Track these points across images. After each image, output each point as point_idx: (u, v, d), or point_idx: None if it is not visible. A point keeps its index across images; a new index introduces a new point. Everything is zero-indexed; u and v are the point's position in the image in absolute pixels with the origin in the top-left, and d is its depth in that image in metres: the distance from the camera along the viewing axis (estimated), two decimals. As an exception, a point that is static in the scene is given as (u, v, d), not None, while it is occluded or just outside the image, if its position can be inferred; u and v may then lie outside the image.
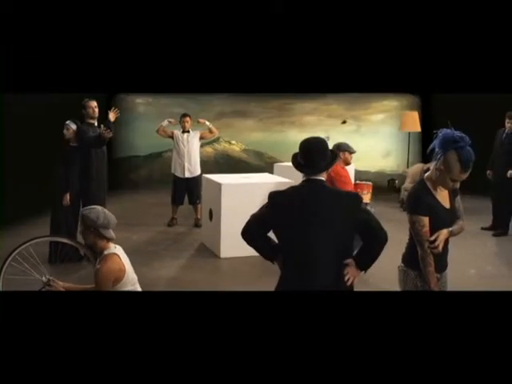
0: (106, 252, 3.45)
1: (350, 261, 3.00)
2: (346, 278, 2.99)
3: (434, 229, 3.20)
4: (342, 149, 6.07)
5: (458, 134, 3.07)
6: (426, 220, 3.17)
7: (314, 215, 2.92)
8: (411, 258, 3.30)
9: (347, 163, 6.11)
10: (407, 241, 3.39)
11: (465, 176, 3.09)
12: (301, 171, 3.04)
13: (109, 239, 3.47)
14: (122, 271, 3.41)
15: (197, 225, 8.03)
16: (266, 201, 3.07)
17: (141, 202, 10.02)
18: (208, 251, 6.90)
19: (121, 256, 3.47)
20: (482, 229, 8.07)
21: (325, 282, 2.96)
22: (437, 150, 3.12)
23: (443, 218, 3.24)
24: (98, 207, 3.56)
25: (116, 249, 3.51)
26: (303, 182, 3.04)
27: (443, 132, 3.11)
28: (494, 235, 7.83)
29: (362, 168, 11.42)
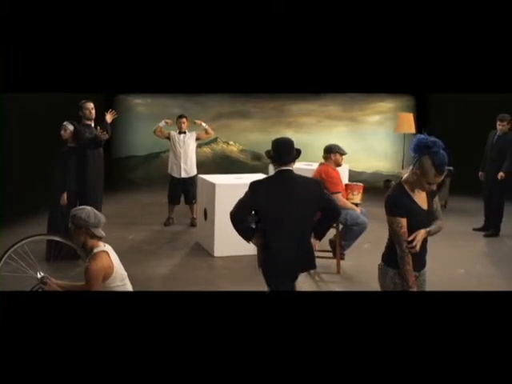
0: (95, 250, 3.56)
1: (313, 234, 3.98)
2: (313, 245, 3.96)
3: (413, 229, 3.33)
4: (333, 150, 6.19)
5: (431, 139, 3.18)
6: (403, 221, 3.30)
7: (287, 197, 3.78)
8: (390, 257, 3.44)
9: (338, 164, 6.22)
10: (387, 241, 3.52)
11: (440, 179, 3.21)
12: (272, 162, 3.94)
13: (99, 238, 3.59)
14: (111, 268, 3.53)
15: (193, 224, 8.13)
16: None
17: (139, 201, 10.13)
18: (202, 250, 7.02)
19: (110, 253, 3.59)
20: (474, 229, 8.15)
21: (296, 246, 3.81)
22: (412, 154, 3.25)
23: (421, 219, 3.36)
24: (88, 207, 3.67)
25: (105, 247, 3.62)
26: (276, 172, 3.90)
27: (417, 137, 3.23)
28: (485, 236, 7.92)
29: (358, 169, 11.55)
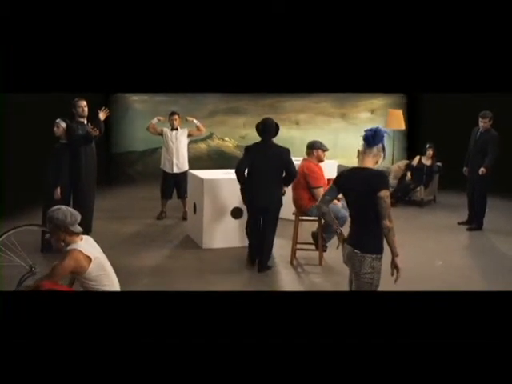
0: (69, 247, 3.68)
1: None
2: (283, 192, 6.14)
3: None
4: (316, 147, 6.42)
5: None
6: None
7: (266, 159, 5.91)
8: (366, 244, 3.68)
9: (320, 160, 6.44)
10: (358, 229, 3.74)
11: None
12: (260, 135, 6.04)
13: (78, 234, 3.72)
14: (82, 267, 3.65)
15: (185, 218, 8.32)
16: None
17: (134, 195, 10.38)
18: (192, 242, 7.25)
19: (83, 250, 3.68)
20: (459, 223, 8.37)
21: (266, 189, 5.90)
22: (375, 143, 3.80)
23: None
24: (63, 206, 3.81)
25: (82, 241, 3.74)
26: (261, 141, 6.05)
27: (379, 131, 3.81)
28: (468, 230, 8.13)
29: (349, 164, 11.75)
